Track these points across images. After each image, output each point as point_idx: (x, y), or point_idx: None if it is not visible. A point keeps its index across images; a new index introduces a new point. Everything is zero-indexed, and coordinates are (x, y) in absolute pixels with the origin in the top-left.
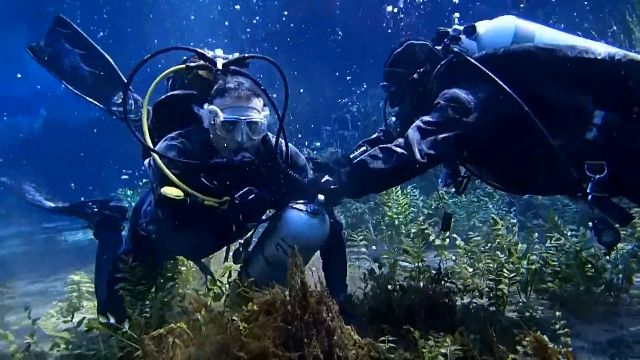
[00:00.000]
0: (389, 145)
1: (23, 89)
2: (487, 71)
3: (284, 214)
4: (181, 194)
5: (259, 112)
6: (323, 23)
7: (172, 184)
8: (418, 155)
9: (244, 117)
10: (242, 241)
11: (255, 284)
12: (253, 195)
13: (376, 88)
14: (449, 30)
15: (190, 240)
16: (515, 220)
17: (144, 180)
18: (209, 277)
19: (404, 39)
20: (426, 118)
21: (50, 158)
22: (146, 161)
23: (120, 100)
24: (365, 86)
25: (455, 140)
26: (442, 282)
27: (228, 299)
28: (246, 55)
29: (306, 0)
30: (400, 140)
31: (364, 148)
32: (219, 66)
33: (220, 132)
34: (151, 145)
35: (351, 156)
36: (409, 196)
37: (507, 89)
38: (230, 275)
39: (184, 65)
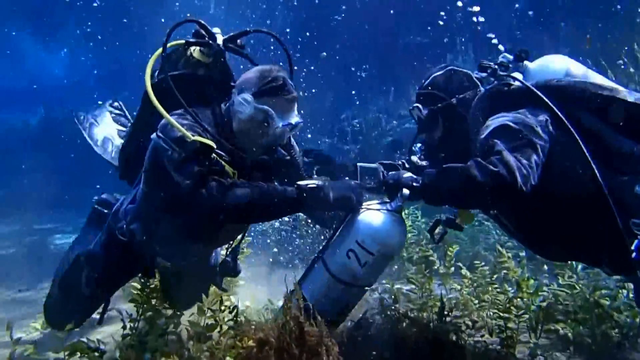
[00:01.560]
0: (482, 161)
1: (20, 82)
2: (543, 97)
3: (357, 215)
4: (213, 144)
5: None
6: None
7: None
8: (520, 180)
9: (295, 122)
10: (229, 251)
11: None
12: (314, 186)
13: (377, 103)
14: (492, 64)
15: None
16: (524, 253)
17: None
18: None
19: (444, 64)
20: (501, 145)
21: (47, 154)
22: (153, 134)
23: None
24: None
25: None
26: (448, 317)
27: (225, 330)
28: (248, 30)
29: (308, 9)
30: (493, 158)
31: (375, 165)
32: (219, 42)
33: (268, 133)
34: (165, 113)
35: (358, 164)
36: (410, 217)
37: (564, 117)
38: (222, 303)
39: (182, 41)
